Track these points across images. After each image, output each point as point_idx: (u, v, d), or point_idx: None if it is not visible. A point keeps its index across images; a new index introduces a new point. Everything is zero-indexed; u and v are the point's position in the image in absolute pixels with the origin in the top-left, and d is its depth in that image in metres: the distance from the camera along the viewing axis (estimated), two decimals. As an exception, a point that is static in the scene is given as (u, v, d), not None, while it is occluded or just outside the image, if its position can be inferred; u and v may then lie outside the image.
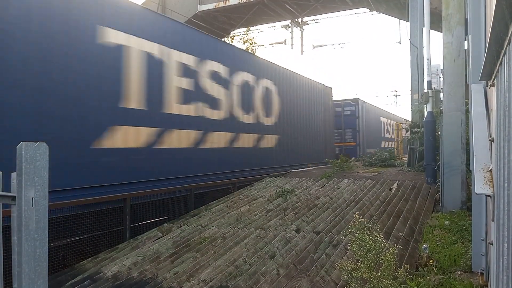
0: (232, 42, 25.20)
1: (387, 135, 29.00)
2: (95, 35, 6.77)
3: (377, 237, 3.59)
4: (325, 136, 17.01)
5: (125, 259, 5.64)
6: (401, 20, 18.54)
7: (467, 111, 7.45)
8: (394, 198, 8.01)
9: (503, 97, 1.96)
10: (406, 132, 15.67)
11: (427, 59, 9.35)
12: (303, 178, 11.21)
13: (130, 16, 7.54)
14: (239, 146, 10.85)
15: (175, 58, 8.61)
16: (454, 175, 7.45)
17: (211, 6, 17.34)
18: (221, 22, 19.10)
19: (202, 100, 9.39)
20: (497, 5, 1.51)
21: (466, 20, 7.35)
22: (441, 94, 9.60)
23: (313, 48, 25.52)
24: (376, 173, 12.07)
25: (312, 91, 15.81)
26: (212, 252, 5.57)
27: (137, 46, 7.61)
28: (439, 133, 8.62)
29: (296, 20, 20.77)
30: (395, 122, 30.43)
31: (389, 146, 27.59)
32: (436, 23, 12.72)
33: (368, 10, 18.85)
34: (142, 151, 7.68)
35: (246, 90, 11.20)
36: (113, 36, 7.10)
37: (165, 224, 7.30)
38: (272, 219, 7.02)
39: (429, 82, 9.28)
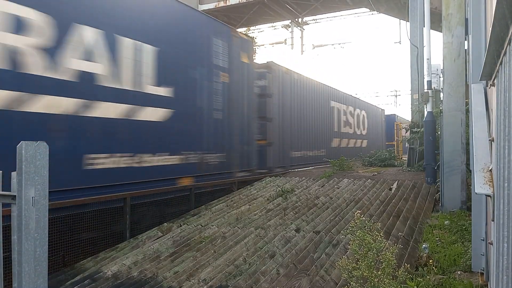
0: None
1: None
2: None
3: (378, 236, 3.59)
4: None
5: (125, 258, 5.64)
6: (401, 20, 18.54)
7: (467, 111, 7.45)
8: (394, 198, 8.02)
9: (503, 97, 1.96)
10: (406, 132, 15.74)
11: (427, 59, 9.35)
12: (303, 178, 11.21)
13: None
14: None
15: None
16: (454, 175, 7.45)
17: (211, 6, 17.33)
18: (221, 22, 19.07)
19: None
20: (497, 5, 1.51)
21: (466, 20, 7.35)
22: (441, 94, 9.59)
23: (313, 48, 25.59)
24: (376, 173, 12.07)
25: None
26: (212, 251, 5.57)
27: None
28: (439, 133, 8.62)
29: (296, 20, 20.76)
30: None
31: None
32: (436, 23, 12.72)
33: (368, 10, 18.84)
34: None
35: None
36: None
37: (165, 223, 7.30)
38: (272, 219, 7.02)
39: (429, 82, 9.27)
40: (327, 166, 14.34)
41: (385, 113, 30.78)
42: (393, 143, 28.41)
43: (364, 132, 23.02)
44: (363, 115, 22.99)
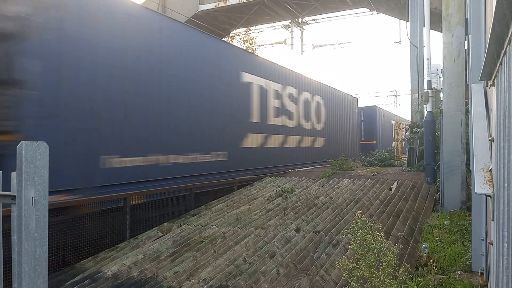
0: (232, 41, 25.20)
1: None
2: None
3: (378, 236, 3.59)
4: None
5: (125, 258, 5.64)
6: (401, 20, 18.56)
7: (467, 111, 7.45)
8: (393, 198, 8.02)
9: (503, 97, 1.96)
10: (406, 132, 15.73)
11: (427, 59, 9.35)
12: (303, 178, 11.21)
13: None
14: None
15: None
16: (454, 175, 7.44)
17: (211, 6, 17.34)
18: (221, 22, 19.09)
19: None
20: (497, 5, 1.51)
21: (466, 20, 7.35)
22: (441, 94, 9.60)
23: (313, 48, 25.57)
24: (376, 173, 12.07)
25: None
26: (212, 251, 5.57)
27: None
28: (439, 133, 8.62)
29: (296, 20, 20.77)
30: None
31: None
32: (436, 23, 12.72)
33: (368, 10, 18.85)
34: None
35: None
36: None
37: (165, 223, 7.30)
38: (272, 219, 7.02)
39: (429, 82, 9.28)
40: (327, 166, 14.32)
41: (362, 104, 26.13)
42: (373, 142, 25.33)
43: (319, 127, 16.51)
44: (317, 102, 16.38)
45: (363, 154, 19.96)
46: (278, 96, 13.05)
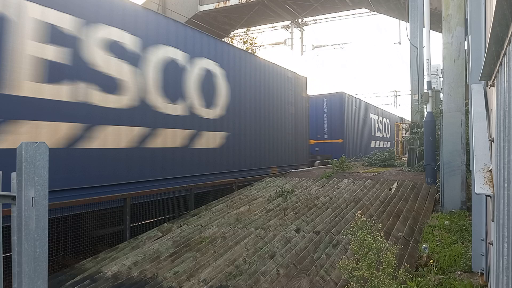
0: (232, 42, 25.22)
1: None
2: None
3: (378, 236, 3.59)
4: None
5: (125, 258, 5.64)
6: (400, 21, 18.58)
7: (467, 112, 7.45)
8: (394, 198, 8.02)
9: (503, 97, 1.96)
10: (406, 132, 15.72)
11: (427, 59, 9.36)
12: (303, 178, 11.22)
13: None
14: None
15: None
16: (454, 175, 7.45)
17: (211, 6, 17.35)
18: (221, 23, 19.11)
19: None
20: (497, 5, 1.51)
21: (466, 21, 7.36)
22: (441, 95, 9.61)
23: (313, 49, 25.62)
24: (376, 173, 12.07)
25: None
26: (212, 251, 5.57)
27: None
28: (439, 133, 8.63)
29: (296, 20, 20.78)
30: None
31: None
32: (435, 24, 12.74)
33: (367, 10, 18.87)
34: None
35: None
36: None
37: (165, 224, 7.30)
38: (272, 219, 7.02)
39: (429, 82, 9.28)
40: (326, 167, 14.32)
41: (325, 91, 20.09)
42: (339, 141, 19.35)
43: (210, 113, 9.58)
44: (208, 71, 9.51)
45: (319, 156, 13.61)
46: (60, 37, 6.11)
